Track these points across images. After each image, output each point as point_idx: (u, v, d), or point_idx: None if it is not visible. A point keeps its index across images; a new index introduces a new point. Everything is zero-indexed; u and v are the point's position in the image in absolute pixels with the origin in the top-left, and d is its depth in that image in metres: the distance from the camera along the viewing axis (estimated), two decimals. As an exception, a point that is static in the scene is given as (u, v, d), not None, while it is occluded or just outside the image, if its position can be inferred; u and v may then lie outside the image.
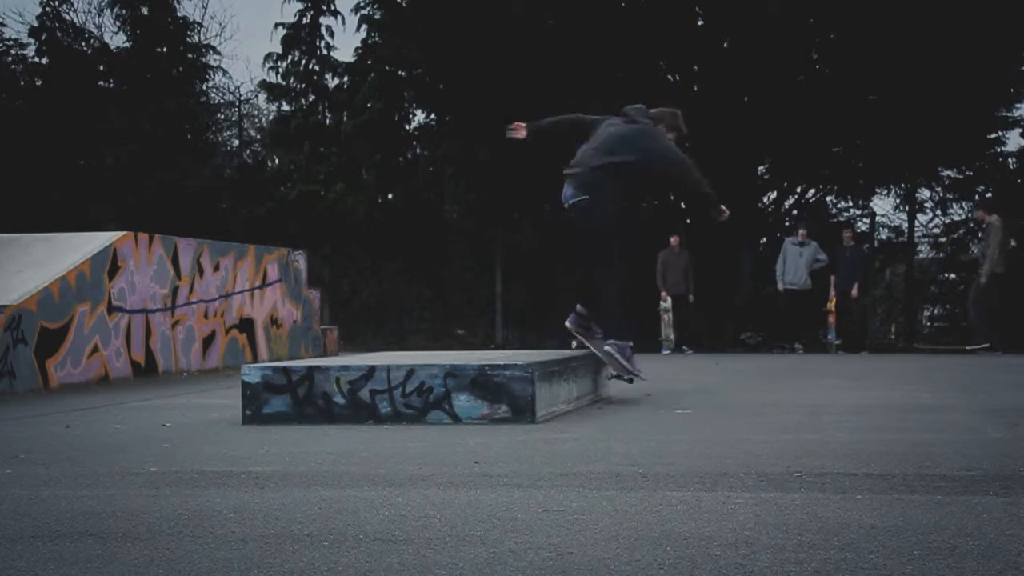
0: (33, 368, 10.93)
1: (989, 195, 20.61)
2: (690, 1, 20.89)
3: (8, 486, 4.86)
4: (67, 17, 25.78)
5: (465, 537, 3.66)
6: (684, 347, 18.08)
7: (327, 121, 25.98)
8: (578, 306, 8.51)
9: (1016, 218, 17.95)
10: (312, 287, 16.91)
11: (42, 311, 11.12)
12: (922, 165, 20.88)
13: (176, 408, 8.83)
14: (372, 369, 7.24)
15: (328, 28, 26.07)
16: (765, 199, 22.67)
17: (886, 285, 23.04)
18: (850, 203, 22.49)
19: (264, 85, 26.70)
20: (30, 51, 25.66)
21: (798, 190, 22.62)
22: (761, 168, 22.37)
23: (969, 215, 21.56)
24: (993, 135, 21.32)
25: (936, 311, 23.39)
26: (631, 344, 8.46)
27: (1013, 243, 17.29)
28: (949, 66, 18.91)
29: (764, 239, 22.11)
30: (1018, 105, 21.07)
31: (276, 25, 25.92)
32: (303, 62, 26.08)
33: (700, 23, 21.27)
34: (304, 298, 16.60)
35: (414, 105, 25.00)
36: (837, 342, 17.65)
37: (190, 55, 26.49)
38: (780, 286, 17.96)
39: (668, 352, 17.64)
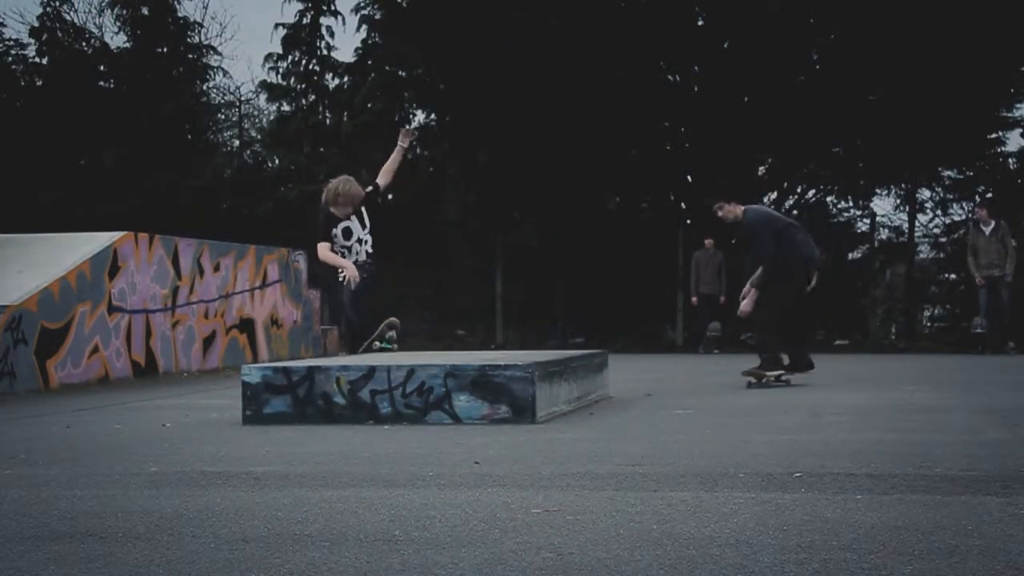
0: (33, 368, 10.93)
1: (988, 195, 20.59)
2: (690, 1, 20.89)
3: (8, 486, 4.86)
4: (67, 17, 25.78)
5: (465, 537, 3.66)
6: (715, 349, 18.24)
7: (327, 121, 25.97)
8: None
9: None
10: (312, 287, 16.91)
11: (42, 311, 11.12)
12: (922, 165, 20.87)
13: (176, 408, 8.83)
14: (372, 369, 7.24)
15: (328, 28, 26.06)
16: (765, 199, 22.65)
17: (886, 285, 23.02)
18: (850, 203, 22.48)
19: (264, 85, 26.69)
20: (30, 51, 25.68)
21: (798, 190, 22.61)
22: (761, 168, 22.35)
23: (970, 215, 21.56)
24: (993, 135, 21.29)
25: (936, 311, 23.37)
26: None
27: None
28: (949, 66, 18.90)
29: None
30: (1018, 105, 21.05)
31: (276, 25, 25.91)
32: (303, 62, 26.06)
33: (700, 23, 21.26)
34: (304, 298, 16.59)
35: (414, 105, 24.99)
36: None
37: (190, 55, 26.47)
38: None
39: (718, 352, 17.91)
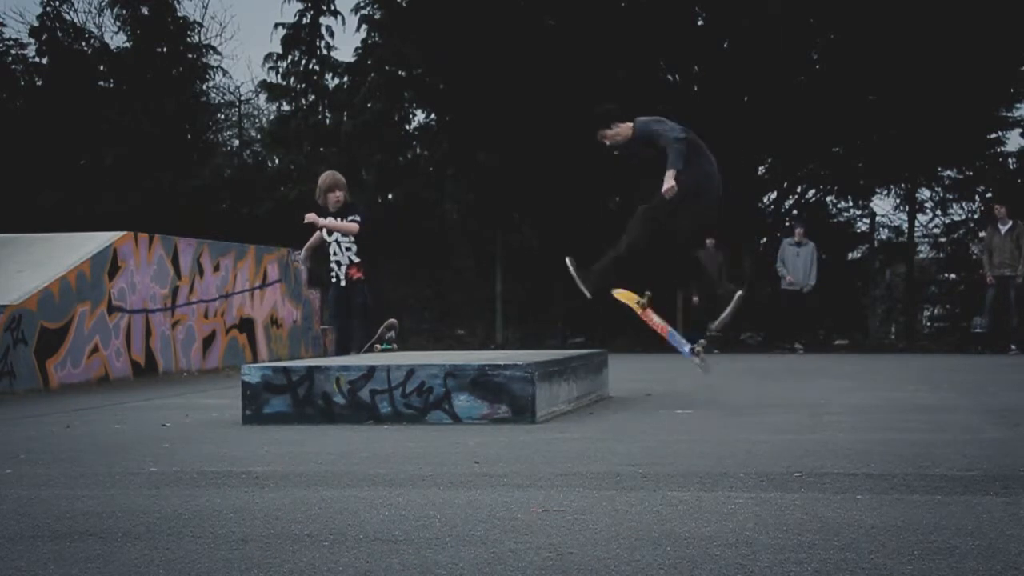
0: (33, 368, 10.93)
1: (988, 195, 20.60)
2: (690, 1, 20.89)
3: (8, 486, 4.86)
4: (67, 17, 25.77)
5: (465, 537, 3.66)
6: (715, 349, 18.27)
7: (327, 121, 25.96)
8: None
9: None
10: (312, 287, 16.91)
11: (42, 311, 11.12)
12: (922, 165, 20.87)
13: (176, 408, 8.83)
14: (372, 369, 7.24)
15: (328, 28, 26.05)
16: (765, 199, 22.68)
17: (886, 285, 23.03)
18: (850, 203, 22.49)
19: (264, 85, 26.69)
20: (30, 51, 25.67)
21: (798, 190, 22.62)
22: (761, 168, 22.35)
23: (970, 215, 21.56)
24: (993, 135, 21.29)
25: (936, 311, 23.38)
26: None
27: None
28: (949, 66, 18.90)
29: (764, 239, 22.10)
30: (1018, 105, 21.05)
31: (276, 25, 25.90)
32: (303, 62, 26.06)
33: (700, 23, 21.26)
34: (304, 298, 16.59)
35: (414, 105, 24.99)
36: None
37: (190, 55, 26.46)
38: (788, 278, 18.07)
39: (718, 352, 17.99)
